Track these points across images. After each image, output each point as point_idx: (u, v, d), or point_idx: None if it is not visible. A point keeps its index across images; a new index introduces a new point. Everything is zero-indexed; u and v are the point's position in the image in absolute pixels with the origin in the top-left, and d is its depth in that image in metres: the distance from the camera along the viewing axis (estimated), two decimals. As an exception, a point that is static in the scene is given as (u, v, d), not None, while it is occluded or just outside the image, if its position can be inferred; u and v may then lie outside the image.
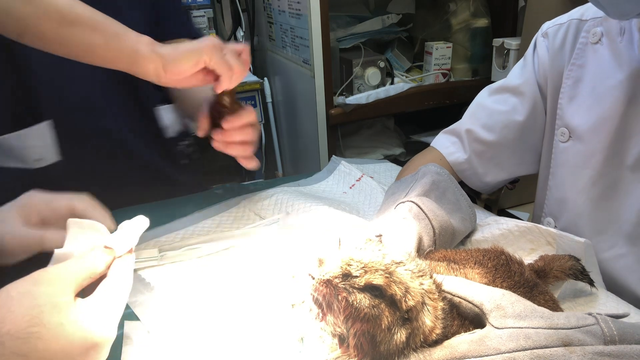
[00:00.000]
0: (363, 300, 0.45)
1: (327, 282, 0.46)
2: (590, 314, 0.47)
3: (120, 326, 0.62)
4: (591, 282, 0.64)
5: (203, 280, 0.71)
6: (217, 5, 1.89)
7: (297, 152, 1.93)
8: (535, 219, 0.90)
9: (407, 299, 0.45)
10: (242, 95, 1.71)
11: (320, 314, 0.48)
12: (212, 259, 0.76)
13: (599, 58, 0.74)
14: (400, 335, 0.45)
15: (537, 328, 0.45)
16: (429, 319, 0.47)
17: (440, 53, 1.74)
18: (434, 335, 0.47)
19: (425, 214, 0.67)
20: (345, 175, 1.05)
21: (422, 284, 0.47)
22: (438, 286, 0.50)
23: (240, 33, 1.97)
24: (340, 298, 0.46)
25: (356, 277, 0.46)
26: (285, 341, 0.57)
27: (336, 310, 0.46)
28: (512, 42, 1.60)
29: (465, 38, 1.79)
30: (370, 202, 0.93)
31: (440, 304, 0.48)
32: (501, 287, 0.53)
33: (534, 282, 0.57)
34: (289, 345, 0.56)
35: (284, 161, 2.05)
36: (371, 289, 0.45)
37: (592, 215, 0.75)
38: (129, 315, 0.65)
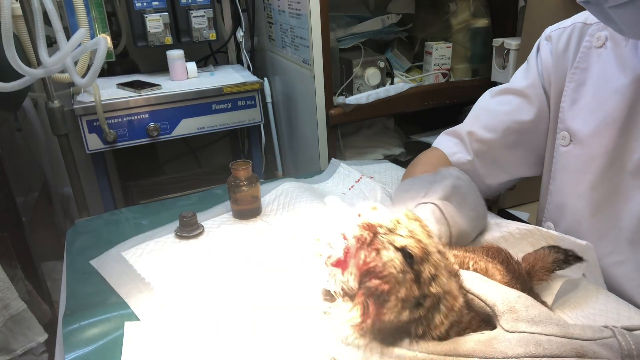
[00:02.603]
0: (394, 260, 0.44)
1: (370, 226, 0.45)
2: (606, 327, 0.45)
3: (121, 326, 0.62)
4: (577, 258, 0.62)
5: (204, 282, 0.71)
6: (217, 6, 1.89)
7: (297, 152, 1.93)
8: (537, 223, 0.90)
9: (431, 285, 0.44)
10: (242, 96, 1.71)
11: (339, 257, 0.46)
12: (213, 261, 0.76)
13: (602, 62, 0.73)
14: (406, 315, 0.44)
15: (550, 335, 0.43)
16: (438, 318, 0.45)
17: (440, 53, 1.74)
18: (436, 333, 0.46)
19: (446, 219, 0.67)
20: (344, 177, 1.05)
21: (448, 282, 0.46)
22: (460, 286, 0.49)
23: (240, 33, 1.97)
24: (372, 248, 0.44)
25: (400, 235, 0.45)
26: (285, 342, 0.57)
27: (360, 258, 0.45)
28: (512, 42, 1.60)
29: (465, 38, 1.79)
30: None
31: (457, 304, 0.46)
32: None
33: (530, 286, 0.57)
34: (289, 346, 0.56)
35: (283, 161, 2.05)
36: (405, 255, 0.44)
37: (591, 220, 0.75)
38: (128, 315, 0.65)
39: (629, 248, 0.70)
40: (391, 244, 0.44)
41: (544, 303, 0.57)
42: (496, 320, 0.46)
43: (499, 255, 0.59)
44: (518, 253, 0.71)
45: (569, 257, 0.62)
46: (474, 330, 0.47)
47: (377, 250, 0.44)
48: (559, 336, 0.43)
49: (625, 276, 0.70)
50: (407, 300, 0.44)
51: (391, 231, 0.45)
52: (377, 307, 0.44)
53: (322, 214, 0.78)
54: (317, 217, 0.76)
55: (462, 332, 0.47)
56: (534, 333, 0.44)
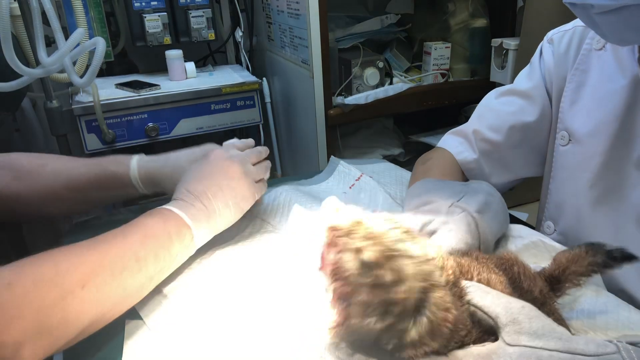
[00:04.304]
0: (351, 261, 0.43)
1: (333, 229, 0.46)
2: (610, 342, 0.43)
3: (120, 327, 0.62)
4: (624, 258, 0.55)
5: (205, 280, 0.71)
6: (216, 6, 1.89)
7: (295, 153, 1.93)
8: (537, 223, 0.90)
9: (393, 291, 0.42)
10: (241, 96, 1.71)
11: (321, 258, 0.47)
12: (213, 259, 0.76)
13: (602, 64, 0.75)
14: (374, 322, 0.43)
15: (553, 350, 0.42)
16: (416, 332, 0.43)
17: (439, 53, 1.75)
18: (414, 352, 0.44)
19: (480, 235, 0.66)
20: (344, 175, 1.04)
21: (425, 291, 0.43)
22: (459, 297, 0.46)
23: (239, 33, 1.97)
24: (336, 249, 0.45)
25: (356, 238, 0.44)
26: (287, 338, 0.56)
27: (328, 260, 0.45)
28: (510, 42, 1.60)
29: (464, 38, 1.79)
30: (371, 201, 0.93)
31: (450, 316, 0.44)
32: None
33: (543, 300, 0.53)
34: (290, 343, 0.56)
35: (282, 162, 2.05)
36: (362, 259, 0.43)
37: (589, 218, 0.75)
38: (130, 314, 0.64)
39: (629, 245, 0.69)
40: (350, 246, 0.44)
41: (562, 322, 0.54)
42: (498, 332, 0.44)
43: (511, 270, 0.55)
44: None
45: (610, 260, 0.55)
46: (475, 342, 0.46)
47: (340, 252, 0.44)
48: (561, 351, 0.42)
49: (625, 274, 0.70)
50: (370, 305, 0.43)
51: (351, 232, 0.45)
52: (344, 310, 0.44)
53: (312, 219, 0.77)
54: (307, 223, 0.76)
55: (462, 345, 0.46)
56: (536, 347, 0.42)
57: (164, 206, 0.67)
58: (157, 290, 0.68)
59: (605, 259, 0.55)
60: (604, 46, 0.75)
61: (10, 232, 1.57)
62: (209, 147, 0.84)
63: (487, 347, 0.44)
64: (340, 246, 0.45)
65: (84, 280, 0.52)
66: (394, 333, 0.43)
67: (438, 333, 0.43)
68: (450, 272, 0.46)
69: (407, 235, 0.46)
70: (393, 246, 0.43)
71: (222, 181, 0.72)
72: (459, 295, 0.46)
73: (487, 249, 0.68)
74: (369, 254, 0.43)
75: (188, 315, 0.63)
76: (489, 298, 0.46)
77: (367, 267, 0.43)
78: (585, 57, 0.77)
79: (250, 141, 0.85)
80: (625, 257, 0.55)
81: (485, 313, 0.46)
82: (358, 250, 0.44)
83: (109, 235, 0.59)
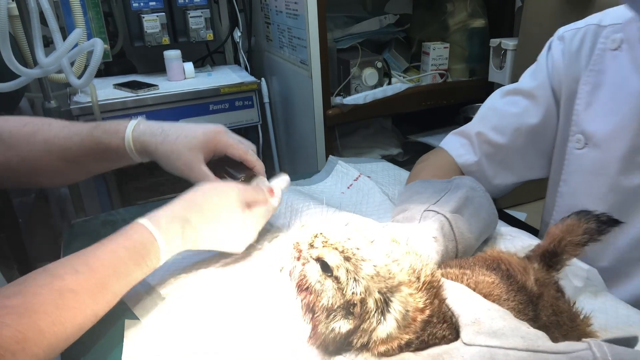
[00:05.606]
0: (312, 270, 0.46)
1: (296, 245, 0.49)
2: (584, 341, 0.41)
3: (119, 327, 0.62)
4: (613, 222, 0.57)
5: (201, 282, 0.70)
6: (215, 6, 1.89)
7: (294, 153, 1.93)
8: (543, 224, 0.89)
9: (352, 289, 0.43)
10: (239, 96, 1.71)
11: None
12: (209, 261, 0.76)
13: (618, 65, 0.73)
14: (340, 326, 0.44)
15: (510, 349, 0.41)
16: (384, 330, 0.43)
17: (437, 53, 1.75)
18: (386, 347, 0.43)
19: (455, 235, 0.65)
20: (343, 175, 1.04)
21: (386, 289, 0.43)
22: (435, 298, 0.45)
23: (237, 33, 1.97)
24: (301, 264, 0.47)
25: (316, 248, 0.47)
26: (283, 343, 0.56)
27: (295, 276, 0.48)
28: (509, 43, 1.60)
29: (463, 38, 1.80)
30: (368, 202, 0.93)
31: (421, 316, 0.43)
32: (507, 306, 0.48)
33: (539, 292, 0.52)
34: (286, 346, 0.56)
35: (281, 161, 2.05)
36: (322, 264, 0.46)
37: None
38: (127, 315, 0.64)
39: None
40: (311, 256, 0.47)
41: (562, 312, 0.53)
42: (460, 332, 0.44)
43: (499, 267, 0.54)
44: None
45: (602, 226, 0.56)
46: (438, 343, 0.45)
47: (303, 264, 0.47)
48: (520, 349, 0.41)
49: (632, 277, 0.69)
50: (334, 309, 0.44)
51: (311, 245, 0.47)
52: (313, 320, 0.46)
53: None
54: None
55: (429, 343, 0.45)
56: (492, 347, 0.41)
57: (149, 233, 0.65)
58: (155, 293, 0.68)
59: (598, 224, 0.56)
60: (619, 46, 0.73)
61: (9, 232, 1.57)
62: (211, 128, 0.77)
63: (442, 347, 0.43)
64: (304, 260, 0.48)
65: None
66: (362, 332, 0.44)
67: (408, 328, 0.43)
68: (429, 272, 0.45)
69: (368, 241, 0.47)
70: (351, 251, 0.45)
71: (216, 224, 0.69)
72: (437, 296, 0.46)
73: (468, 248, 0.67)
74: (327, 259, 0.45)
75: (186, 317, 0.63)
76: (459, 299, 0.46)
77: (326, 271, 0.45)
78: (600, 58, 0.75)
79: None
80: (612, 221, 0.57)
81: (452, 312, 0.46)
82: (318, 259, 0.46)
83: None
